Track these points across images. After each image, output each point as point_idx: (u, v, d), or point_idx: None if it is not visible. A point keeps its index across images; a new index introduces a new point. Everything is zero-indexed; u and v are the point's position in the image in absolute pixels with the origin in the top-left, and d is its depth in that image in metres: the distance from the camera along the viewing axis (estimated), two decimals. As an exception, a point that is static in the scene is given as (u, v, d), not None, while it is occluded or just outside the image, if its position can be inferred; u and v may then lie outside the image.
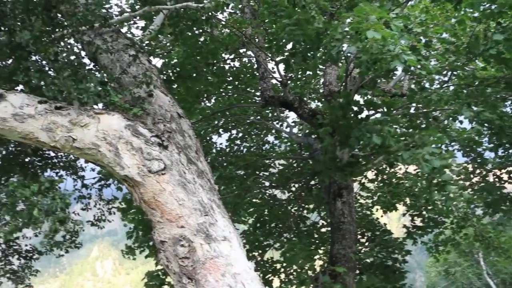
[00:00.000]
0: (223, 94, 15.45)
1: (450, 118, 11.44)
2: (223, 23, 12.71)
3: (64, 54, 6.25)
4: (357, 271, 12.13)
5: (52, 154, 10.44)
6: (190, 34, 11.89)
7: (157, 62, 12.62)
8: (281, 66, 12.25)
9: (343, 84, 10.92)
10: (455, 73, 10.99)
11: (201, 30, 12.23)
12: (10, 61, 6.53)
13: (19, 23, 6.09)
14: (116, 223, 16.17)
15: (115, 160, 5.08)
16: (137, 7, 11.05)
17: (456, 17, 9.36)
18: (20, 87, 6.63)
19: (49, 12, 6.34)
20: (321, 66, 13.19)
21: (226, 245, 4.78)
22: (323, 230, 15.53)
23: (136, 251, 14.16)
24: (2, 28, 6.31)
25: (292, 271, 13.87)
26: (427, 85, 10.88)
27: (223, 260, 4.65)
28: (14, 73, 5.98)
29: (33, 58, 6.39)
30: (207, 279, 4.53)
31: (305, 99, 12.96)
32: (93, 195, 12.68)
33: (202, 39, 12.62)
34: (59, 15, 6.67)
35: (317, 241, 15.27)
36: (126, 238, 14.32)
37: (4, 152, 10.21)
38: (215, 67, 13.72)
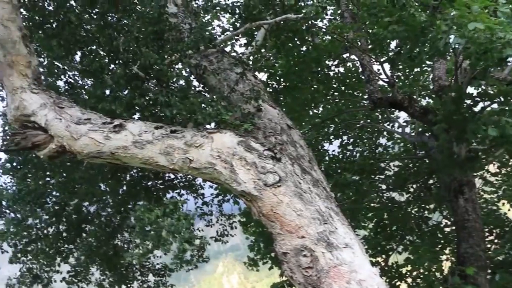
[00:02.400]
0: (331, 101, 15.38)
1: None
2: (324, 30, 12.69)
3: (175, 79, 6.52)
4: (489, 270, 11.54)
5: (172, 176, 10.88)
6: (292, 45, 11.98)
7: (263, 76, 12.82)
8: (387, 66, 12.02)
9: (453, 77, 10.49)
10: None
11: (302, 40, 12.28)
12: (126, 91, 6.91)
13: (131, 55, 6.43)
14: (238, 238, 16.51)
15: (231, 177, 5.19)
16: (238, 25, 11.30)
17: None
18: (137, 115, 7.01)
19: (158, 41, 6.66)
20: (428, 62, 12.78)
21: (349, 252, 4.73)
22: (447, 229, 14.94)
23: (259, 263, 14.40)
24: (117, 62, 6.70)
25: (419, 274, 13.48)
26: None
27: (347, 267, 4.60)
28: (131, 101, 6.32)
29: (147, 86, 6.73)
30: (333, 287, 4.51)
31: (414, 97, 12.58)
32: (214, 211, 13.05)
33: (304, 48, 12.67)
34: (167, 43, 6.98)
35: (442, 242, 14.71)
36: (249, 252, 14.58)
37: (128, 178, 10.77)
38: (319, 75, 13.70)
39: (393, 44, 11.54)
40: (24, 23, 6.30)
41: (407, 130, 15.09)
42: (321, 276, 4.60)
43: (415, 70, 14.89)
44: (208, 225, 13.04)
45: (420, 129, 13.94)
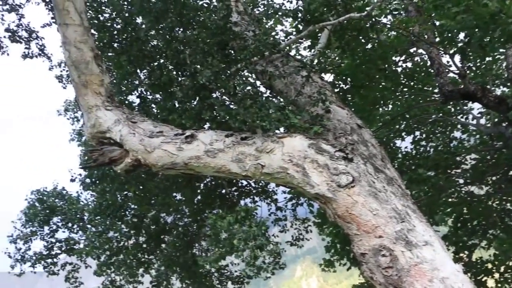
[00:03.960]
0: (400, 97, 15.12)
1: None
2: (388, 26, 12.50)
3: (241, 87, 6.60)
4: None
5: (245, 182, 10.99)
6: (356, 44, 11.86)
7: (329, 77, 12.76)
8: (457, 58, 11.70)
9: (529, 63, 10.11)
10: None
11: (367, 38, 12.14)
12: (195, 102, 7.05)
13: (198, 67, 6.56)
14: (314, 241, 16.48)
15: (304, 180, 5.19)
16: (300, 28, 11.30)
17: None
18: (207, 124, 7.13)
19: (224, 50, 6.76)
20: (501, 50, 12.36)
21: (429, 249, 4.63)
22: (533, 221, 14.37)
23: (335, 263, 14.33)
24: (185, 74, 6.85)
25: (506, 268, 13.06)
26: None
27: (428, 265, 4.51)
28: (200, 112, 6.44)
29: (215, 95, 6.84)
30: (415, 286, 4.43)
31: (488, 87, 12.19)
32: (288, 216, 13.06)
33: (369, 46, 12.52)
34: (232, 51, 7.07)
35: (528, 234, 14.17)
36: (325, 253, 14.52)
37: (203, 187, 10.96)
38: (387, 72, 13.50)
39: (461, 35, 11.23)
40: (94, 43, 6.53)
41: (482, 121, 14.64)
42: (401, 276, 4.52)
43: (487, 59, 14.43)
44: (282, 230, 13.06)
45: (496, 120, 13.50)
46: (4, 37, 9.68)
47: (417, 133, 15.34)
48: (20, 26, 9.68)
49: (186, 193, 11.11)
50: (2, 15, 9.54)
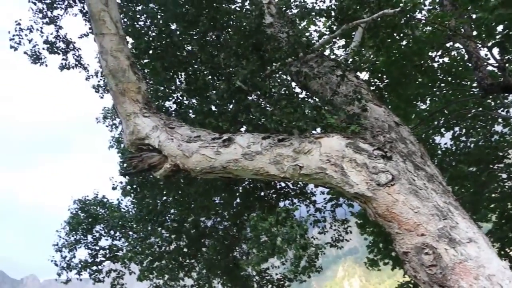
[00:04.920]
0: (437, 93, 14.91)
1: None
2: (423, 21, 12.34)
3: (277, 88, 6.60)
4: None
5: (283, 184, 10.97)
6: (391, 40, 11.76)
7: (365, 75, 12.67)
8: (495, 50, 11.49)
9: None
10: None
11: (402, 34, 12.02)
12: (230, 105, 7.08)
13: (233, 70, 6.59)
14: (355, 241, 16.41)
15: (342, 180, 5.16)
16: (334, 27, 11.26)
17: None
18: (243, 127, 7.15)
19: (257, 53, 6.77)
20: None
21: (473, 246, 4.54)
22: None
23: (379, 263, 14.22)
24: (220, 77, 6.89)
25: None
26: None
27: (473, 262, 4.42)
28: (237, 114, 6.46)
29: (250, 98, 6.85)
30: (460, 284, 4.35)
31: (529, 78, 11.92)
32: (327, 217, 13.01)
33: (404, 42, 12.39)
34: (266, 54, 7.08)
35: None
36: (367, 253, 14.43)
37: (241, 190, 11.00)
38: (423, 68, 13.34)
39: (500, 27, 11.03)
40: (130, 51, 6.63)
41: (524, 114, 14.35)
42: (446, 274, 4.45)
43: (527, 50, 14.14)
44: (321, 232, 13.02)
45: (539, 112, 13.23)
46: (43, 48, 9.92)
47: (457, 128, 15.11)
48: (58, 38, 9.90)
49: (225, 197, 11.17)
50: (41, 27, 9.78)
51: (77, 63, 10.29)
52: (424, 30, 12.94)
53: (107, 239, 13.01)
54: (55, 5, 9.74)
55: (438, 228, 4.68)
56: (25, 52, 9.92)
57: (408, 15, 9.54)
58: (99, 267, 12.95)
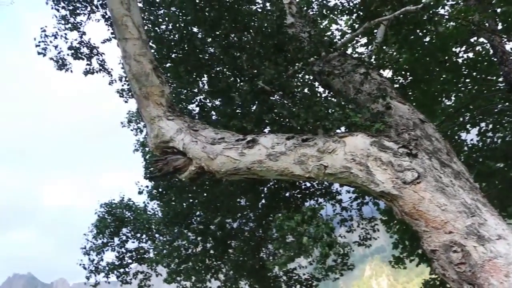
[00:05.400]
0: (462, 89, 14.73)
1: None
2: (447, 17, 12.22)
3: (300, 88, 6.60)
4: None
5: (309, 184, 10.96)
6: (414, 37, 11.66)
7: (388, 73, 12.59)
8: (521, 44, 11.34)
9: None
10: None
11: (424, 31, 11.91)
12: (254, 107, 7.10)
13: (255, 71, 6.60)
14: (382, 239, 16.30)
15: (368, 179, 5.13)
16: (356, 26, 11.21)
17: None
18: (267, 128, 7.16)
19: (279, 53, 6.78)
20: None
21: (503, 243, 4.48)
22: None
23: (405, 260, 14.12)
24: (243, 79, 6.90)
25: None
26: None
27: (503, 260, 4.36)
28: (261, 115, 6.47)
29: (273, 98, 6.86)
30: (490, 282, 4.29)
31: (556, 72, 11.73)
32: (353, 216, 12.96)
33: (427, 39, 12.28)
34: (288, 54, 7.09)
35: None
36: (393, 250, 14.32)
37: (266, 191, 11.00)
38: (447, 64, 13.20)
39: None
40: (153, 55, 6.68)
41: (552, 108, 14.11)
42: (475, 271, 4.39)
43: (555, 43, 13.92)
44: (349, 230, 12.97)
45: None
46: (68, 54, 10.05)
47: (483, 124, 14.88)
48: (82, 43, 10.02)
49: (250, 198, 11.18)
50: (66, 34, 9.91)
51: (101, 67, 10.40)
52: (447, 25, 12.81)
53: (133, 242, 13.11)
54: (78, 11, 9.86)
55: (466, 225, 4.63)
56: (51, 58, 10.07)
57: (430, 11, 9.46)
58: (126, 269, 13.05)
